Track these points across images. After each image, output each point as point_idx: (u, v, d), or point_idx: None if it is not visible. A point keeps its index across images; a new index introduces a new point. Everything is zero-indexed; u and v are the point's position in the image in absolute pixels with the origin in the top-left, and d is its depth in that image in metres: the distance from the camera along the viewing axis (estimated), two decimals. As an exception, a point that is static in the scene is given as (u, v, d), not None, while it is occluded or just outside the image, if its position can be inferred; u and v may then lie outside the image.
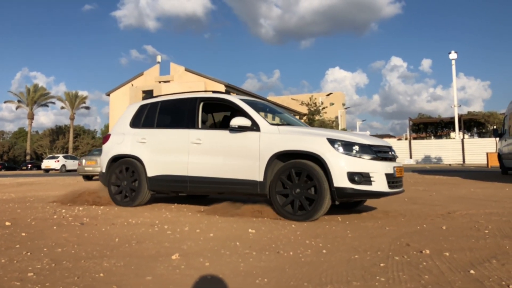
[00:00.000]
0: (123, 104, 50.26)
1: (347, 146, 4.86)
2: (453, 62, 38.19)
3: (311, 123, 37.76)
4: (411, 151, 33.26)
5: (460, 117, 37.80)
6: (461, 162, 31.01)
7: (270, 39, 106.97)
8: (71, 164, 39.91)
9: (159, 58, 52.85)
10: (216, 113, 7.34)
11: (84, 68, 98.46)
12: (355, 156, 4.82)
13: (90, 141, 61.43)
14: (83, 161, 17.11)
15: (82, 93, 59.02)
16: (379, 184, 4.80)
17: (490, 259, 3.07)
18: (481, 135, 42.74)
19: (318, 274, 2.79)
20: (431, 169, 23.39)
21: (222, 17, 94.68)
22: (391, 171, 4.96)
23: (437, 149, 32.96)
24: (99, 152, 18.70)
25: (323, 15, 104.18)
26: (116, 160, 6.62)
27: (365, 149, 4.89)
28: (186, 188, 5.92)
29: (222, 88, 49.12)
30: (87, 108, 62.82)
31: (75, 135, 61.34)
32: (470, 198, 7.56)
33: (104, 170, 6.71)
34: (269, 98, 65.72)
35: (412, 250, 3.42)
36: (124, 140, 6.59)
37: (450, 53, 38.66)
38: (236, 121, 5.37)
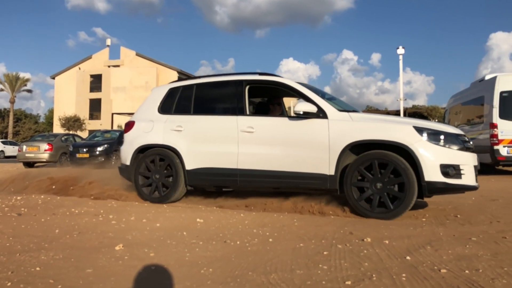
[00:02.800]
0: (69, 88, 47.97)
1: (435, 136, 4.41)
2: (400, 57, 39.71)
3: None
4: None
5: (405, 110, 39.54)
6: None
7: (225, 27, 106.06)
8: (11, 150, 37.53)
9: (108, 42, 50.79)
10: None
11: (27, 49, 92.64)
12: (443, 146, 4.39)
13: (32, 126, 58.13)
14: (24, 147, 16.23)
15: (24, 75, 55.36)
16: (469, 177, 4.41)
17: (425, 246, 3.25)
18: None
19: (263, 263, 2.83)
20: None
21: (176, 2, 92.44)
22: (476, 162, 4.59)
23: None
24: (42, 138, 17.79)
25: (278, 6, 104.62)
26: (143, 150, 5.71)
27: (453, 138, 4.47)
28: (235, 183, 5.20)
29: (174, 74, 48.14)
30: (29, 91, 59.18)
31: (16, 120, 57.79)
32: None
33: (127, 163, 5.75)
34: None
35: (355, 238, 3.55)
36: (154, 127, 5.66)
37: (398, 48, 40.16)
38: (301, 107, 4.73)
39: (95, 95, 47.25)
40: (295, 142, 4.83)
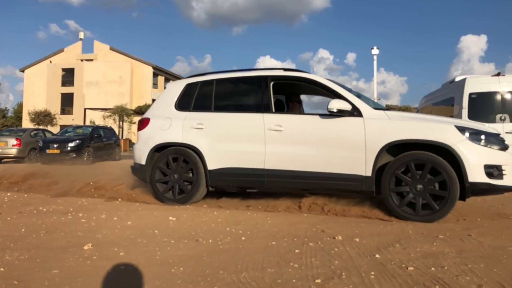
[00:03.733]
0: (39, 81, 46.57)
1: (477, 135, 4.29)
2: (375, 57, 40.37)
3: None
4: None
5: (379, 109, 40.32)
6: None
7: (202, 23, 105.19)
8: (-23, 146, 36.23)
9: (81, 35, 49.55)
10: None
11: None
12: (485, 146, 4.26)
13: (0, 120, 56.18)
14: (-9, 142, 15.60)
15: (-9, 67, 53.40)
16: (510, 178, 4.26)
17: (394, 244, 3.31)
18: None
19: (234, 262, 2.82)
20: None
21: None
22: None
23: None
24: (10, 132, 17.19)
25: (255, 3, 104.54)
26: (160, 149, 5.40)
27: (493, 138, 4.36)
28: (262, 184, 4.93)
29: (149, 70, 47.46)
30: (-2, 84, 57.16)
31: (-17, 114, 55.73)
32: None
33: (143, 162, 5.41)
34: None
35: (326, 237, 3.59)
36: (172, 125, 5.34)
37: (372, 48, 40.80)
38: (335, 104, 4.53)
39: (67, 90, 46.04)
40: (328, 141, 4.62)
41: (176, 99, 5.52)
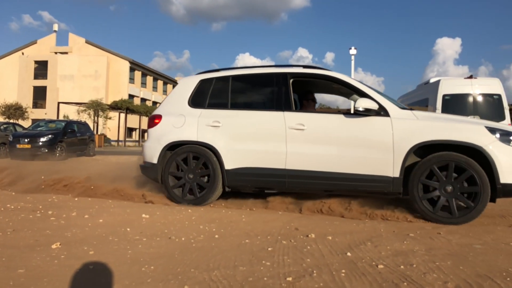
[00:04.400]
0: (10, 74, 45.16)
1: (507, 136, 4.22)
2: (352, 57, 40.82)
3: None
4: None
5: (355, 108, 40.90)
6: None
7: (181, 18, 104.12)
8: None
9: (56, 27, 48.37)
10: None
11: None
12: None
13: (-31, 114, 54.17)
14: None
15: (-41, 58, 51.38)
16: None
17: (366, 242, 3.36)
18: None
19: (207, 260, 2.80)
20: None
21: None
22: None
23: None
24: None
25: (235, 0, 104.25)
26: (173, 147, 5.18)
27: None
28: (283, 185, 4.77)
29: (126, 64, 46.70)
30: (-34, 76, 55.15)
31: (-50, 106, 53.60)
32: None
33: (154, 161, 5.18)
34: (177, 79, 64.17)
35: (300, 234, 3.61)
36: (186, 122, 5.13)
37: (350, 48, 41.27)
38: (363, 103, 4.40)
39: (39, 83, 44.83)
40: (354, 141, 4.50)
41: (189, 96, 5.30)
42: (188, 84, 5.42)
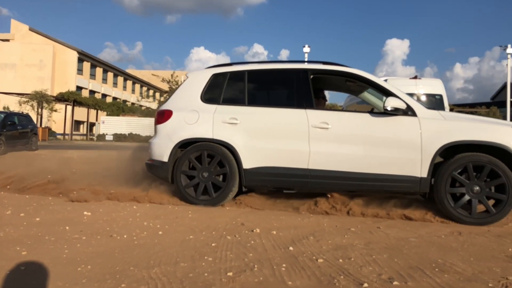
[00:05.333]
0: None
1: None
2: (306, 55, 41.56)
3: (171, 101, 37.17)
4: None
5: (308, 105, 41.72)
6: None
7: (134, 9, 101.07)
8: None
9: (-4, 12, 45.23)
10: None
11: None
12: None
13: None
14: None
15: None
16: None
17: (309, 236, 3.44)
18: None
19: (148, 257, 2.75)
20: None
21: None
22: None
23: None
24: None
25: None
26: (185, 145, 4.89)
27: None
28: (305, 185, 4.61)
29: (74, 55, 44.74)
30: None
31: None
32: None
33: (164, 159, 4.88)
34: (128, 71, 62.41)
35: (245, 229, 3.63)
36: (200, 119, 4.86)
37: (304, 46, 41.93)
38: (392, 102, 4.32)
39: (-23, 71, 41.90)
40: (381, 141, 4.42)
41: (201, 91, 5.03)
42: (199, 78, 5.15)
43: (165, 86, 39.42)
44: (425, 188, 4.32)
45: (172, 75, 37.45)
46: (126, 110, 42.08)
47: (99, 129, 36.91)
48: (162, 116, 5.08)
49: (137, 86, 61.55)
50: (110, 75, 53.77)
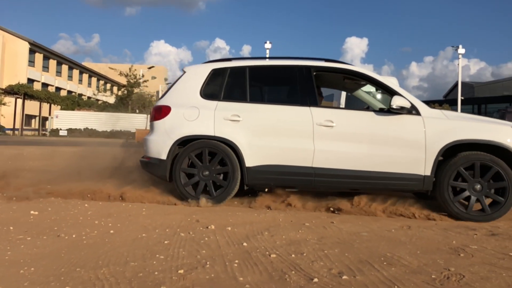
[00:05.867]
0: None
1: None
2: (267, 51, 41.77)
3: (129, 95, 36.28)
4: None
5: (269, 101, 41.99)
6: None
7: (91, 0, 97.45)
8: None
9: None
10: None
11: None
12: None
13: None
14: None
15: None
16: None
17: (264, 232, 3.45)
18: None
19: (96, 257, 2.66)
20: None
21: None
22: None
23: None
24: None
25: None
26: (184, 143, 4.73)
27: None
28: (309, 183, 4.58)
29: (25, 46, 42.66)
30: None
31: None
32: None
33: (162, 157, 4.71)
34: (85, 64, 60.27)
35: (200, 226, 3.59)
36: (200, 115, 4.72)
37: (265, 42, 42.11)
38: (398, 101, 4.36)
39: None
40: (385, 139, 4.46)
41: (201, 86, 4.89)
42: (198, 74, 5.00)
43: (123, 80, 38.43)
44: (429, 186, 4.40)
45: (130, 69, 36.56)
46: (82, 104, 40.69)
47: (52, 124, 35.42)
48: (160, 112, 4.90)
49: (94, 79, 59.59)
50: (64, 67, 51.68)
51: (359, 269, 2.54)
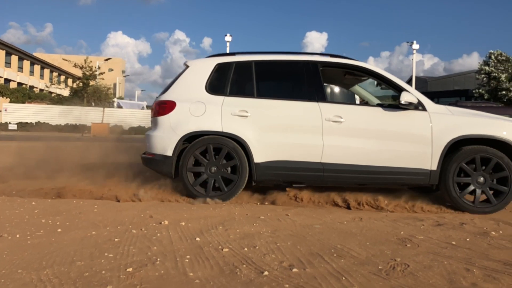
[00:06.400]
0: None
1: None
2: (228, 44, 41.57)
3: (84, 88, 35.01)
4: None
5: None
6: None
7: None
8: None
9: None
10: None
11: None
12: None
13: None
14: None
15: None
16: None
17: (218, 226, 3.44)
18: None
19: (40, 258, 2.55)
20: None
21: None
22: None
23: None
24: None
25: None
26: (191, 139, 4.61)
27: None
28: (319, 178, 4.57)
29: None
30: None
31: None
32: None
33: (168, 153, 4.59)
34: (36, 55, 57.48)
35: (153, 222, 3.53)
36: (207, 111, 4.63)
37: (226, 35, 41.86)
38: (406, 97, 4.42)
39: None
40: (393, 135, 4.52)
41: (206, 81, 4.80)
42: (202, 68, 4.90)
43: (78, 72, 36.98)
44: (435, 180, 4.51)
45: (85, 60, 35.23)
46: (33, 97, 38.78)
47: (0, 118, 33.62)
48: (164, 107, 4.77)
49: (47, 71, 56.94)
50: (14, 58, 49.03)
51: (309, 262, 2.59)
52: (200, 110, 4.67)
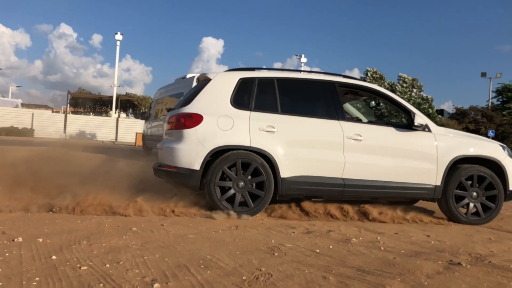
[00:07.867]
0: None
1: (509, 152, 5.30)
2: (118, 43, 39.57)
3: None
4: (66, 125, 32.16)
5: (118, 97, 39.54)
6: (114, 140, 32.69)
7: None
8: None
9: None
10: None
11: None
12: None
13: None
14: None
15: None
16: None
17: (82, 240, 3.18)
18: (136, 116, 46.31)
19: None
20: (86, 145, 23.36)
21: None
22: None
23: (93, 125, 33.30)
24: None
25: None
26: (218, 153, 4.56)
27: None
28: (340, 193, 4.83)
29: None
30: None
31: None
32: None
33: (195, 167, 4.51)
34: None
35: (5, 239, 3.12)
36: (235, 125, 4.63)
37: (116, 33, 39.82)
38: (419, 120, 4.96)
39: None
40: (405, 153, 4.95)
41: (230, 95, 4.81)
42: (225, 82, 4.92)
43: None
44: (439, 194, 5.01)
45: None
46: None
47: None
48: (191, 120, 4.69)
49: None
50: None
51: (174, 275, 2.51)
52: (228, 124, 4.68)
